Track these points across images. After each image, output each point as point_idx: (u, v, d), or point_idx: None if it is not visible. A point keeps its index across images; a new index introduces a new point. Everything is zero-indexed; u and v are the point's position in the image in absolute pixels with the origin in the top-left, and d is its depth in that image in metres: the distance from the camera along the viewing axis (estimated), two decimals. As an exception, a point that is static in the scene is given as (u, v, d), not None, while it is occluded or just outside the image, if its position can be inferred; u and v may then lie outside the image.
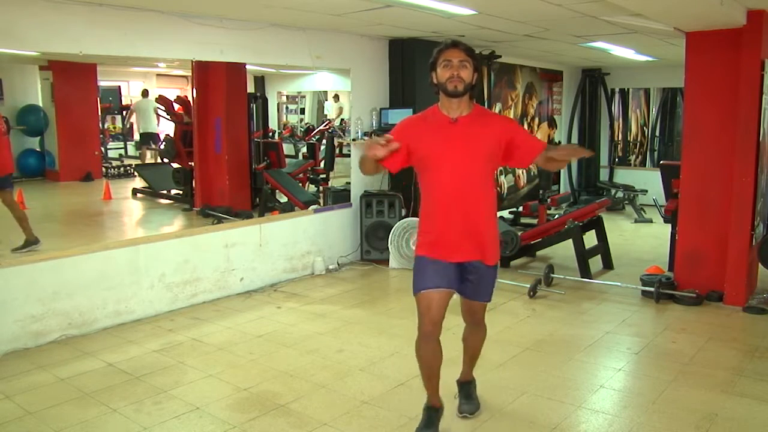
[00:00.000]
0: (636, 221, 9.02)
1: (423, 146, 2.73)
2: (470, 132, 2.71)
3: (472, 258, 2.77)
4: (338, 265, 6.40)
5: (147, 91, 13.02)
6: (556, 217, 7.13)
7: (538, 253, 6.75)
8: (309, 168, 9.42)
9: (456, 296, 2.90)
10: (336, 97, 12.38)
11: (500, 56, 7.81)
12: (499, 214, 8.22)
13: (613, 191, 10.20)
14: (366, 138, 2.75)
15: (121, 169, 12.36)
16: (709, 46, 5.01)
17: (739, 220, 4.97)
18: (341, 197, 6.81)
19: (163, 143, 9.77)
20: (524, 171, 9.42)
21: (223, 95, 7.96)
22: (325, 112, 12.92)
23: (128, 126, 13.97)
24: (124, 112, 13.66)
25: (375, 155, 2.51)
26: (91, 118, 11.46)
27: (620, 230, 8.41)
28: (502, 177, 8.94)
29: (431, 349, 2.82)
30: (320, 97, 13.13)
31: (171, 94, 10.48)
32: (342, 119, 11.99)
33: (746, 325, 4.70)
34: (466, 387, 3.26)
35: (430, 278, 2.75)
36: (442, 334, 2.85)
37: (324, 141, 9.96)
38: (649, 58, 8.52)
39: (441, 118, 2.74)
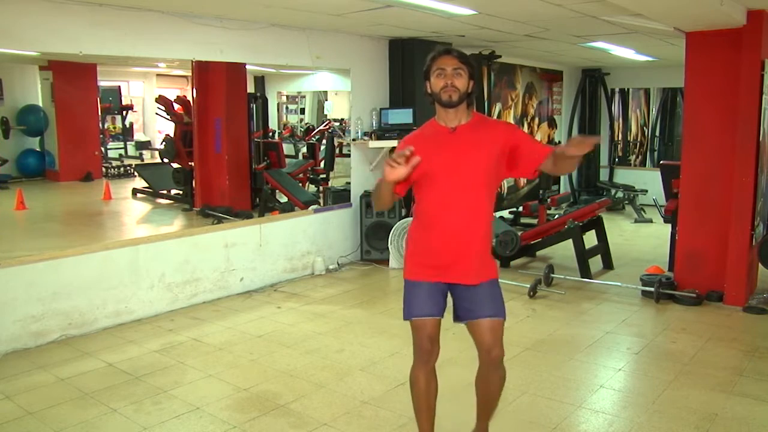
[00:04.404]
0: (636, 221, 9.02)
1: (423, 160, 2.43)
2: (471, 140, 2.52)
3: (462, 280, 2.55)
4: (338, 265, 6.39)
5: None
6: (556, 217, 7.13)
7: (538, 253, 6.75)
8: (309, 168, 9.41)
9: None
10: None
11: (500, 56, 7.81)
12: (498, 214, 8.23)
13: (613, 191, 10.21)
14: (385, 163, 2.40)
15: (121, 169, 12.36)
16: (709, 46, 5.02)
17: (739, 220, 4.97)
18: (341, 197, 6.81)
19: (163, 143, 9.77)
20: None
21: (223, 95, 7.96)
22: (325, 112, 12.91)
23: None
24: (124, 112, 13.65)
25: (398, 176, 2.28)
26: (91, 118, 11.45)
27: (620, 230, 8.41)
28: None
29: (426, 375, 2.63)
30: (320, 97, 13.12)
31: (171, 94, 10.47)
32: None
33: (746, 325, 4.70)
34: None
35: (422, 305, 2.58)
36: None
37: (324, 141, 9.96)
38: (649, 58, 8.53)
39: (439, 130, 2.56)
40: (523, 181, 9.44)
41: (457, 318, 2.64)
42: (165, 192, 9.39)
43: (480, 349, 2.61)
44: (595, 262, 6.31)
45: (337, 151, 9.44)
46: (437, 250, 2.56)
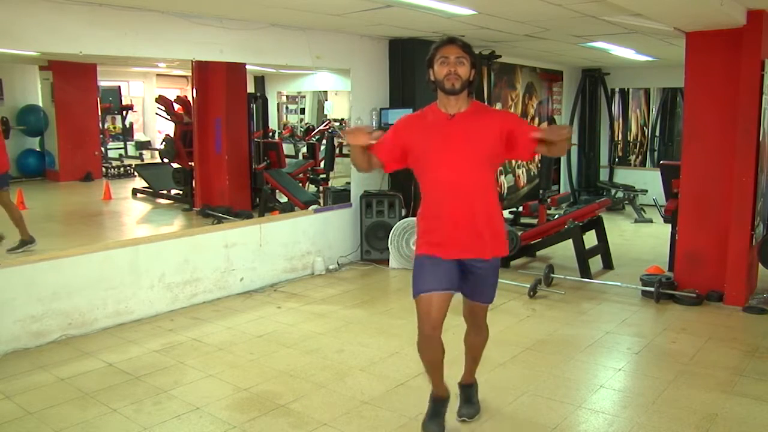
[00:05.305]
0: (636, 221, 9.02)
1: (421, 144, 2.70)
2: (469, 127, 2.67)
3: (472, 256, 2.73)
4: (338, 265, 6.40)
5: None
6: (556, 217, 7.12)
7: (538, 253, 6.75)
8: (309, 168, 9.42)
9: (458, 296, 2.89)
10: None
11: (500, 56, 7.81)
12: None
13: (613, 191, 10.20)
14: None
15: (121, 169, 12.37)
16: (709, 46, 5.01)
17: (739, 220, 4.97)
18: (341, 197, 6.81)
19: (163, 143, 9.78)
20: (524, 171, 9.42)
21: (223, 95, 7.97)
22: (325, 112, 12.93)
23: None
24: (124, 112, 13.66)
25: (358, 142, 2.56)
26: (91, 118, 11.47)
27: (620, 230, 8.41)
28: (502, 177, 8.94)
29: (433, 347, 2.80)
30: (320, 97, 13.13)
31: (171, 94, 10.47)
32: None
33: (746, 325, 4.70)
34: (467, 390, 3.21)
35: (430, 280, 2.70)
36: (443, 334, 2.82)
37: (324, 141, 9.96)
38: (649, 58, 8.52)
39: (439, 115, 2.72)
40: (523, 181, 9.45)
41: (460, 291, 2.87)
42: (165, 192, 9.40)
43: (468, 318, 3.01)
44: (595, 262, 6.31)
45: (337, 151, 9.43)
46: (441, 231, 2.71)
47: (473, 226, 2.69)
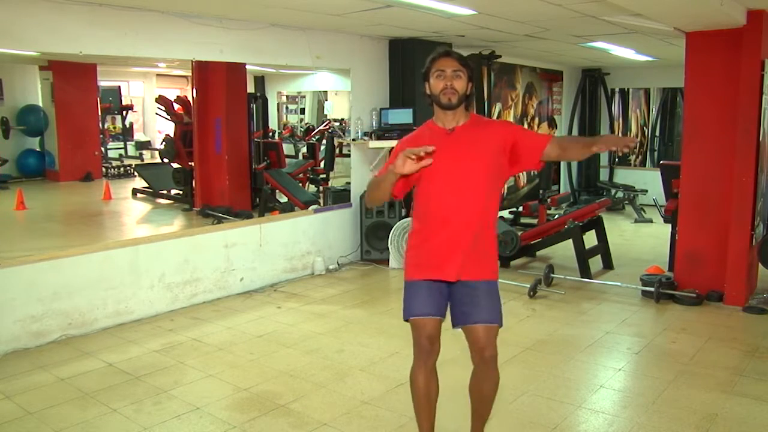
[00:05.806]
0: (636, 221, 9.03)
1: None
2: (469, 140, 2.53)
3: (465, 276, 2.53)
4: (338, 265, 6.40)
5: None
6: (556, 217, 7.13)
7: (538, 253, 6.75)
8: (309, 168, 9.42)
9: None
10: None
11: (500, 56, 7.81)
12: (498, 214, 8.22)
13: (613, 191, 10.21)
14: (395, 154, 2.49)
15: (121, 169, 12.37)
16: (709, 46, 5.02)
17: (739, 220, 4.97)
18: (341, 197, 6.81)
19: (163, 143, 9.77)
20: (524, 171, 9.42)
21: (223, 95, 7.97)
22: (325, 112, 12.92)
23: None
24: (124, 112, 13.65)
25: (409, 170, 2.36)
26: (91, 118, 11.46)
27: (620, 230, 8.41)
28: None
29: (426, 375, 2.60)
30: (320, 97, 13.12)
31: (171, 94, 10.47)
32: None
33: (746, 325, 4.70)
34: None
35: (421, 305, 2.57)
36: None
37: (324, 141, 9.96)
38: (649, 58, 8.53)
39: (437, 131, 2.57)
40: (523, 180, 9.45)
41: (455, 323, 2.62)
42: (165, 192, 9.39)
43: (473, 349, 2.60)
44: (595, 262, 6.31)
45: (337, 151, 9.43)
46: (436, 250, 2.55)
47: (467, 244, 2.51)
